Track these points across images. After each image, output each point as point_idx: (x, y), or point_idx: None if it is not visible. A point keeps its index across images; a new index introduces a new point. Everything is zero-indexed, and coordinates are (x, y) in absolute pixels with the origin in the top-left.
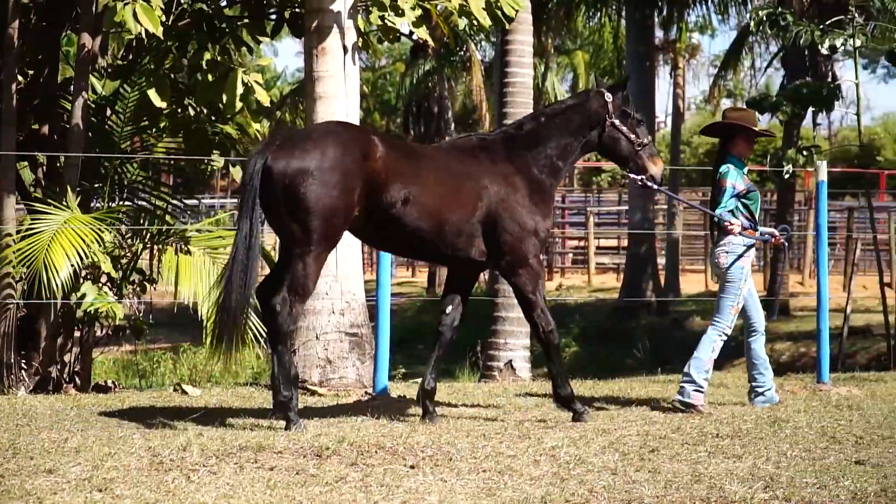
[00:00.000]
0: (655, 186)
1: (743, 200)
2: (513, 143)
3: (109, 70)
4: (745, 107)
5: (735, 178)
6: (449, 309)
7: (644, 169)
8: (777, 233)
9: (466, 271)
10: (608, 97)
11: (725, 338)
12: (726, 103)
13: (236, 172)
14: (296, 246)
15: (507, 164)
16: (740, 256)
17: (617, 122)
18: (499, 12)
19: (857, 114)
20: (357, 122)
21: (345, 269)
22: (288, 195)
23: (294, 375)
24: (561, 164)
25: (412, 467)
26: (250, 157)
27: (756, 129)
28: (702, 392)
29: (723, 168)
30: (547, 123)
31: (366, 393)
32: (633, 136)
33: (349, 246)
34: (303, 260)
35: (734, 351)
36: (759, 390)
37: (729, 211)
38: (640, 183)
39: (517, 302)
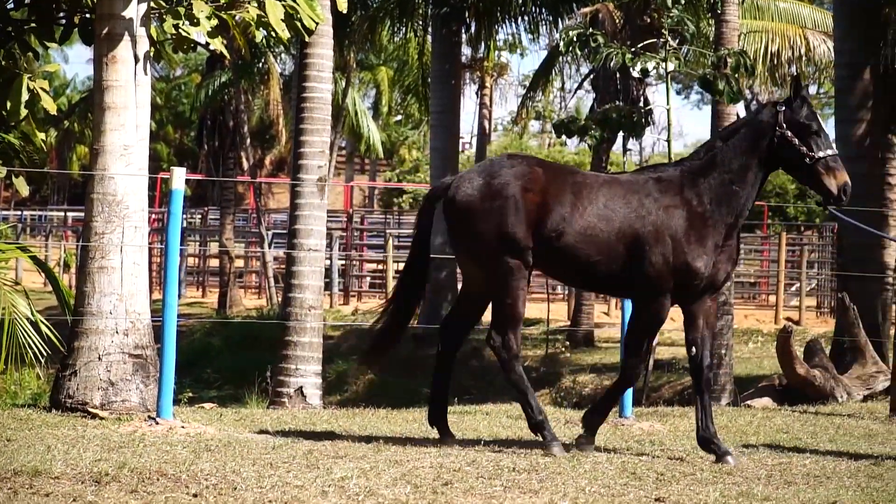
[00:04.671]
0: (835, 211)
1: None
2: (689, 173)
3: None
4: None
5: None
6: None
7: (820, 185)
8: None
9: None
10: (779, 108)
11: None
12: (534, 125)
13: (20, 184)
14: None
15: (675, 195)
16: None
17: (788, 133)
18: (298, 24)
19: (668, 140)
20: (147, 134)
21: (130, 287)
22: (460, 228)
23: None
24: (737, 189)
25: (195, 496)
26: (432, 189)
27: None
28: None
29: None
30: (722, 147)
31: (149, 417)
32: (803, 149)
33: (136, 264)
34: (501, 292)
35: (535, 382)
36: None
37: None
38: (826, 210)
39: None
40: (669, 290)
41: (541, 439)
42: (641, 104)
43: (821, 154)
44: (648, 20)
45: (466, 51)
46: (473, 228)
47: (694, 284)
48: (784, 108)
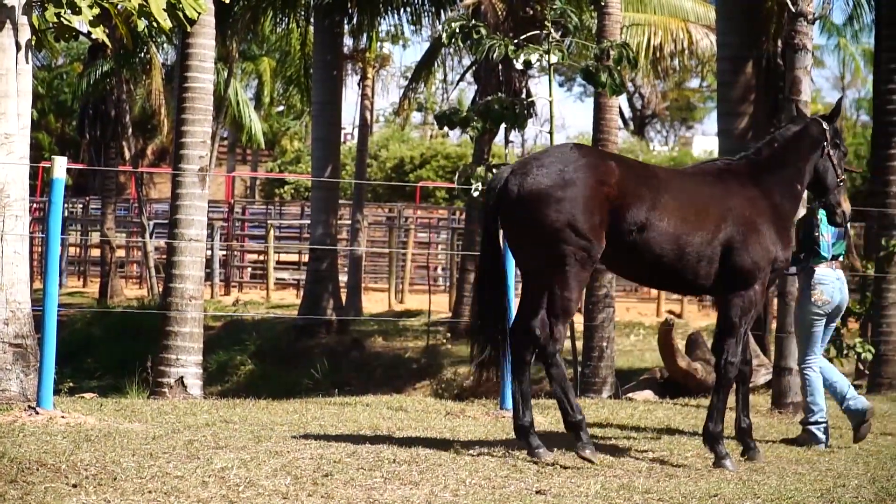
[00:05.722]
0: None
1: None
2: (756, 167)
3: None
4: None
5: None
6: None
7: (838, 204)
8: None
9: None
10: (825, 125)
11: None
12: (416, 117)
13: None
14: (541, 272)
15: (754, 187)
16: None
17: (831, 151)
18: (180, 14)
19: (551, 132)
20: (28, 123)
21: (11, 276)
22: (525, 216)
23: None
24: (798, 189)
25: (75, 486)
26: (493, 179)
27: None
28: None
29: None
30: (782, 148)
31: (29, 407)
32: (838, 171)
33: (16, 253)
34: (559, 283)
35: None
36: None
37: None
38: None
39: (717, 322)
40: (766, 279)
41: (574, 439)
42: (524, 96)
43: (844, 176)
44: (531, 12)
45: (349, 42)
46: (541, 217)
47: (775, 274)
48: (828, 125)
